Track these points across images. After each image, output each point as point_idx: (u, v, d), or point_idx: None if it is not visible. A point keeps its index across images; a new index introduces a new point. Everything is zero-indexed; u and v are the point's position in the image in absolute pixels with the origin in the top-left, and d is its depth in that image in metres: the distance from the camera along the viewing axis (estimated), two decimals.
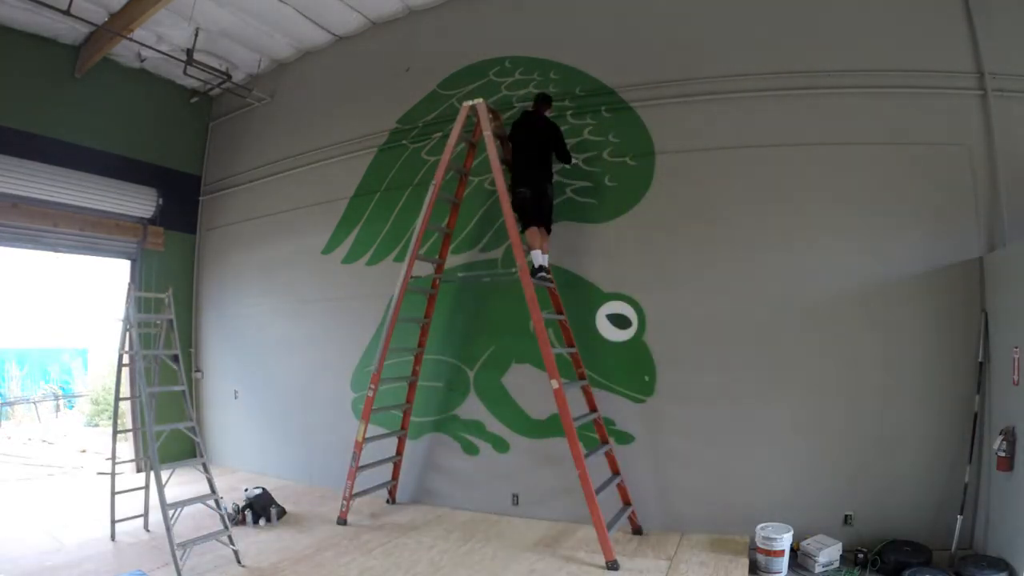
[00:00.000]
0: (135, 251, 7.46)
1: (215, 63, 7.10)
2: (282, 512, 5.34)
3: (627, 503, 4.79)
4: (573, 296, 5.22)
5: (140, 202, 7.32)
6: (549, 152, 5.01)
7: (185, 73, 6.91)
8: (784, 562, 4.03)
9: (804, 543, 4.17)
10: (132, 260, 7.51)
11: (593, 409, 4.91)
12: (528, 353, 5.33)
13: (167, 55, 6.68)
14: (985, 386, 4.18)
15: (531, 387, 5.32)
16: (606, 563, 4.06)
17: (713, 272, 4.85)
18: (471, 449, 5.61)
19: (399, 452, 5.75)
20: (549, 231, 5.02)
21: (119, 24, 5.99)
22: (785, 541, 4.04)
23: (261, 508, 5.19)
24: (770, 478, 4.57)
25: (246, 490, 5.37)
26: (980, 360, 4.21)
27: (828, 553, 4.08)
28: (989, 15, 4.55)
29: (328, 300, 6.66)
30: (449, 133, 5.22)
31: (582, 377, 4.97)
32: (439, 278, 5.67)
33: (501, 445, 5.48)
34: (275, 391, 7.08)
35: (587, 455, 4.29)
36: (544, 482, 5.21)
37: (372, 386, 5.22)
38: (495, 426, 5.51)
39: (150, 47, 6.49)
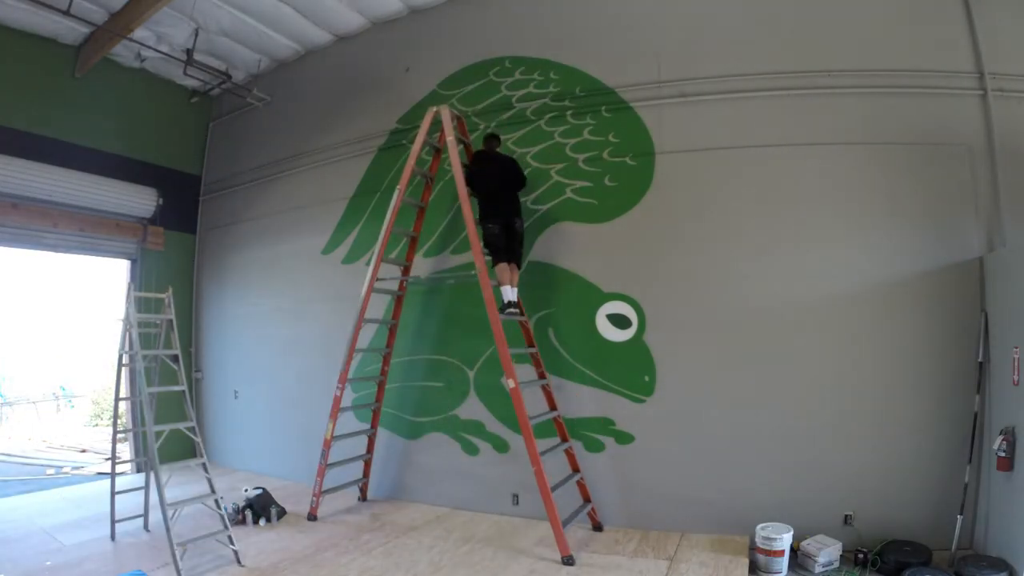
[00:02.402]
0: (135, 251, 7.47)
1: (215, 63, 7.11)
2: (282, 512, 5.34)
3: (587, 500, 4.89)
4: (573, 296, 5.23)
5: (140, 202, 7.32)
6: (518, 187, 5.14)
7: (185, 73, 6.91)
8: (784, 562, 4.03)
9: (804, 543, 4.16)
10: (132, 260, 7.52)
11: (553, 408, 5.02)
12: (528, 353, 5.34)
13: (167, 55, 6.69)
14: (985, 386, 4.18)
15: (531, 387, 5.32)
16: (562, 558, 4.16)
17: (713, 272, 4.85)
18: (471, 449, 5.61)
19: (369, 450, 5.86)
20: (520, 266, 5.11)
21: (119, 24, 6.00)
22: (785, 541, 4.04)
23: (261, 508, 5.19)
24: (770, 478, 4.57)
25: (246, 490, 5.37)
26: (980, 360, 4.21)
27: (828, 553, 4.07)
28: (989, 15, 4.55)
29: (328, 300, 6.65)
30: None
31: (542, 376, 5.08)
32: (406, 280, 5.83)
33: (501, 445, 5.47)
34: (275, 391, 7.07)
35: (543, 453, 4.42)
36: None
37: (340, 385, 5.37)
38: (495, 426, 5.51)
39: (150, 47, 6.49)
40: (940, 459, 4.28)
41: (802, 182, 4.74)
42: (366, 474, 5.85)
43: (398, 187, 5.35)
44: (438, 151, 5.66)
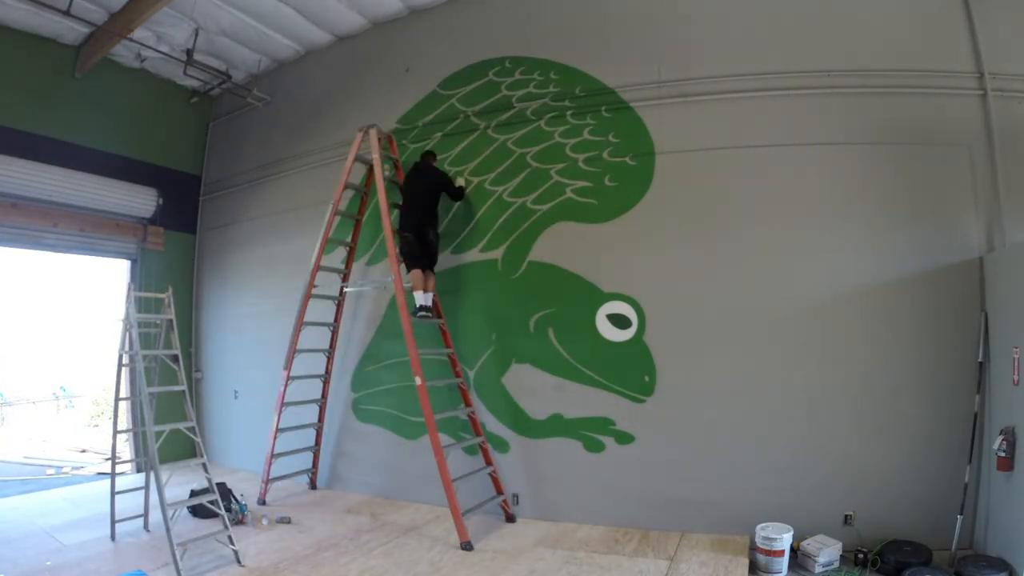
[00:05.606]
0: (135, 251, 7.46)
1: (215, 63, 7.11)
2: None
3: (499, 492, 5.20)
4: (573, 296, 5.23)
5: (140, 202, 7.32)
6: (434, 198, 5.54)
7: (185, 73, 6.91)
8: (784, 562, 4.03)
9: (804, 543, 4.16)
10: (132, 260, 7.51)
11: (468, 405, 5.43)
12: (528, 353, 5.35)
13: (167, 55, 6.68)
14: (985, 386, 4.18)
15: (531, 387, 5.33)
16: (460, 544, 4.45)
17: (713, 272, 4.85)
18: (471, 449, 5.60)
19: (317, 443, 6.30)
20: (433, 271, 5.51)
21: (119, 24, 5.99)
22: (785, 541, 4.04)
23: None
24: (770, 478, 4.57)
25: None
26: (980, 360, 4.21)
27: (828, 553, 4.07)
28: (989, 15, 4.56)
29: (329, 300, 6.64)
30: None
31: (458, 375, 5.47)
32: (345, 286, 6.23)
33: (501, 445, 5.47)
34: (275, 391, 7.04)
35: (447, 446, 4.87)
36: (544, 482, 5.20)
37: (284, 382, 5.80)
38: (495, 426, 5.51)
39: (150, 47, 6.48)
40: (940, 459, 4.28)
41: (802, 182, 4.74)
42: (315, 464, 6.25)
43: (332, 200, 5.81)
44: (371, 168, 5.83)
